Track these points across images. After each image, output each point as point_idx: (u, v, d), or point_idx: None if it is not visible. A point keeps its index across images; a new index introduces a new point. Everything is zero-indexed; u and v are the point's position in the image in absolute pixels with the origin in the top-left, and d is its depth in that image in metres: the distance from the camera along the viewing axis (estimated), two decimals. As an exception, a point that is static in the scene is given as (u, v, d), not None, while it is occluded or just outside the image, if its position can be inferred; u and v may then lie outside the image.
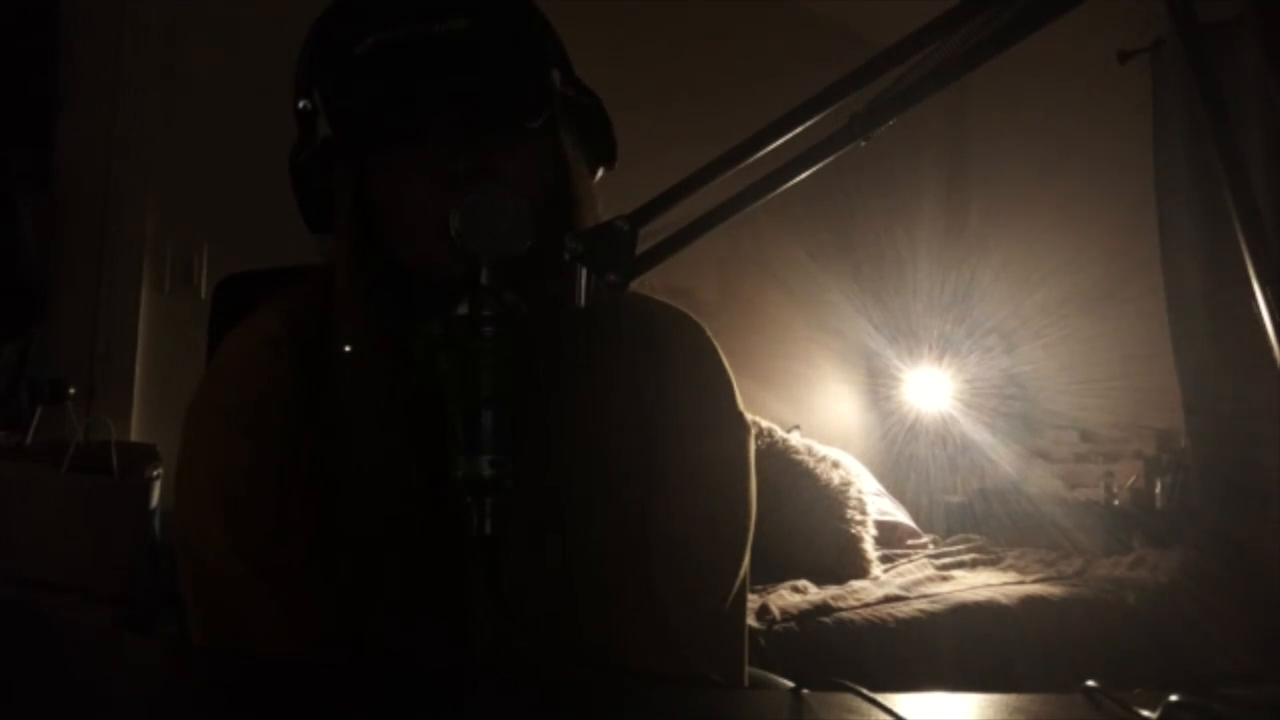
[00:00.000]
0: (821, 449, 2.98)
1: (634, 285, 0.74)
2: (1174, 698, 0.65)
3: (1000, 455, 3.42)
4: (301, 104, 0.87)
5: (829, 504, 2.75)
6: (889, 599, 2.34)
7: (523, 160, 0.85)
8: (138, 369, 2.42)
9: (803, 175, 0.72)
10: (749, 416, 0.98)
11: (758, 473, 0.97)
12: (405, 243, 0.86)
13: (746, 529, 0.95)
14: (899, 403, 3.61)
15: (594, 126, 0.92)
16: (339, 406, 0.85)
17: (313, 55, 0.87)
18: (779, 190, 0.73)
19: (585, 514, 0.88)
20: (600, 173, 0.95)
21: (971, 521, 3.39)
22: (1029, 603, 2.44)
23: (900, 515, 3.25)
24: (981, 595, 2.45)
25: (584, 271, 0.72)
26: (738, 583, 0.93)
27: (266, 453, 0.85)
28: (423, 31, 0.82)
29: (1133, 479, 3.27)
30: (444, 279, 0.73)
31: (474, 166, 0.81)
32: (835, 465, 2.90)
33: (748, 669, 0.96)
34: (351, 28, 0.84)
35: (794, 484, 2.76)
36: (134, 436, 2.35)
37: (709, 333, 0.99)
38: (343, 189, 0.86)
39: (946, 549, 3.09)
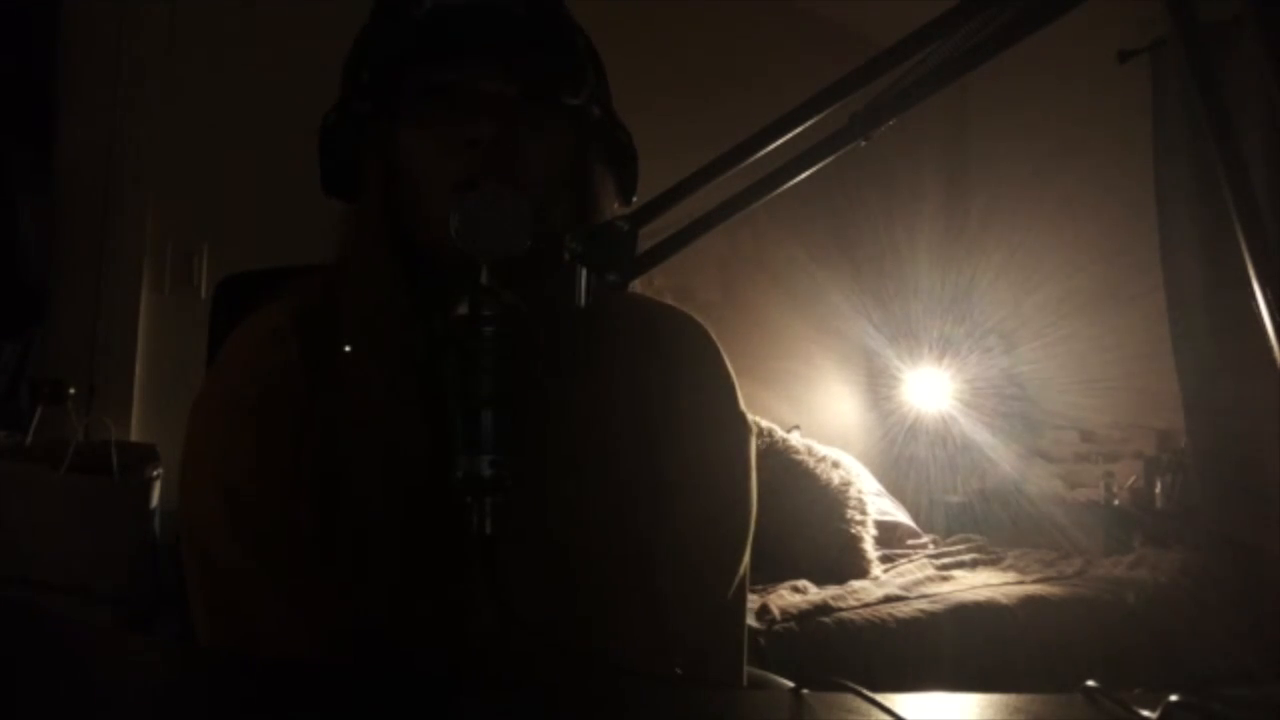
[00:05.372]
0: (821, 449, 2.98)
1: (636, 285, 0.74)
2: (1174, 698, 0.65)
3: (1000, 455, 3.42)
4: (353, 74, 0.89)
5: (829, 504, 2.76)
6: (889, 599, 2.34)
7: (545, 143, 0.86)
8: (138, 369, 2.42)
9: (803, 175, 0.72)
10: (750, 417, 0.99)
11: (757, 472, 0.97)
12: (421, 209, 0.86)
13: (747, 528, 0.95)
14: (899, 403, 3.61)
15: (622, 160, 0.94)
16: (344, 401, 0.85)
17: (374, 17, 0.90)
18: (779, 190, 0.73)
19: (586, 513, 0.88)
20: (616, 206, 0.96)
21: (971, 521, 3.39)
22: (1029, 603, 2.44)
23: (900, 515, 3.25)
24: (981, 595, 2.45)
25: (584, 271, 0.72)
26: (737, 582, 0.94)
27: (271, 446, 0.85)
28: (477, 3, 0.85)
29: (1133, 479, 3.27)
30: (455, 253, 0.73)
31: (495, 133, 0.82)
32: (835, 465, 2.91)
33: (748, 669, 0.96)
34: None
35: (794, 484, 2.76)
36: (134, 436, 2.35)
37: (712, 334, 1.00)
38: (372, 153, 0.87)
39: (946, 549, 3.09)
